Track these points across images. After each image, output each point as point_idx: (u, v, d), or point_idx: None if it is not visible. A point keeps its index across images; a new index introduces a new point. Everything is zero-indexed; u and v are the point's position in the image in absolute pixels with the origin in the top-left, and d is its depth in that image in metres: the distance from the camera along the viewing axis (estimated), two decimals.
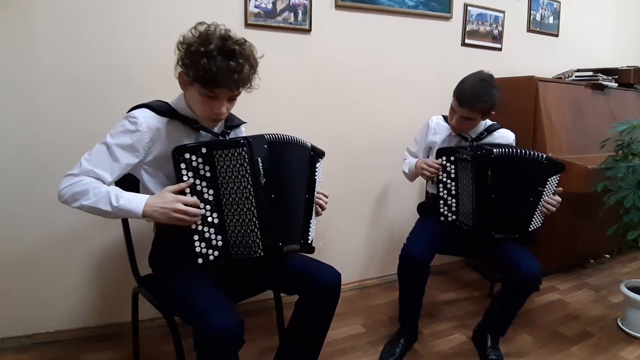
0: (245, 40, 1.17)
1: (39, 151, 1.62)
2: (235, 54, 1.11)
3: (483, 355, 1.67)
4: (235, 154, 1.13)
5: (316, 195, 1.40)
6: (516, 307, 1.60)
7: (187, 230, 1.15)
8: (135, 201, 1.11)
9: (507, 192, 1.55)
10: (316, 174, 1.40)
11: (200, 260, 1.16)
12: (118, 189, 1.13)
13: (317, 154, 1.39)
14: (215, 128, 1.30)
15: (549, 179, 1.59)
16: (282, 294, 1.59)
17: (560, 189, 1.63)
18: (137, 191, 1.31)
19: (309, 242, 1.38)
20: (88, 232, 1.73)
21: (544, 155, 1.58)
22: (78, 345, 1.73)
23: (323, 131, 2.11)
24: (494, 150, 1.54)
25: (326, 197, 1.46)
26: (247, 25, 1.88)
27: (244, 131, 1.46)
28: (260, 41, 1.87)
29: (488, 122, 1.82)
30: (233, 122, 1.37)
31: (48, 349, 1.70)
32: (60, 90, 1.62)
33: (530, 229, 1.61)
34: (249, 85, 1.18)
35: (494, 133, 1.80)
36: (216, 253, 1.18)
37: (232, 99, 1.20)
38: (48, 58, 1.59)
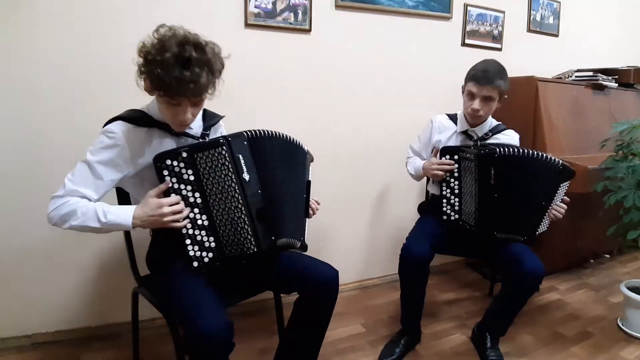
0: (207, 43, 1.11)
1: (39, 151, 1.62)
2: (191, 62, 1.05)
3: (483, 356, 1.67)
4: (216, 154, 1.14)
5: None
6: (517, 306, 1.59)
7: (179, 234, 1.15)
8: (123, 215, 1.12)
9: (513, 193, 1.54)
10: (308, 175, 1.40)
11: (195, 264, 1.17)
12: (105, 205, 1.13)
13: (306, 153, 1.40)
14: (194, 130, 1.28)
15: (561, 185, 1.58)
16: (281, 294, 1.60)
17: (568, 199, 1.62)
18: (129, 202, 1.33)
19: (304, 240, 1.39)
20: (88, 232, 1.72)
21: (560, 161, 1.55)
22: (78, 345, 1.73)
23: (323, 131, 2.11)
24: (498, 149, 1.53)
25: (318, 203, 1.47)
26: (247, 25, 1.88)
27: (222, 125, 1.44)
28: (260, 41, 1.93)
29: (494, 122, 1.81)
30: (211, 121, 1.34)
31: (48, 349, 1.70)
32: (61, 89, 1.62)
33: (537, 233, 1.61)
34: (210, 92, 1.13)
35: (499, 134, 1.78)
36: (210, 254, 1.18)
37: (196, 104, 1.16)
38: (48, 56, 1.58)
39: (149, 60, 1.06)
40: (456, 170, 1.67)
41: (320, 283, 1.27)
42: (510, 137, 1.79)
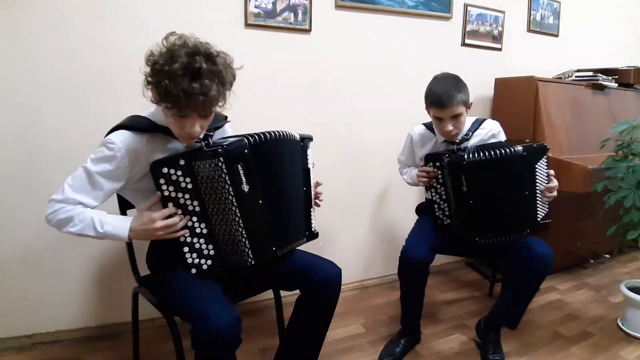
0: (219, 53, 1.07)
1: (38, 152, 1.62)
2: (201, 74, 1.01)
3: (484, 357, 1.67)
4: (213, 165, 1.09)
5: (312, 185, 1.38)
6: (530, 293, 1.58)
7: (177, 241, 1.15)
8: (119, 227, 1.12)
9: (493, 196, 1.51)
10: (308, 162, 1.36)
11: (194, 271, 1.17)
12: (102, 214, 1.12)
13: (306, 141, 1.35)
14: None
15: (536, 166, 1.54)
16: (282, 293, 1.60)
17: (552, 171, 1.57)
18: (130, 205, 1.33)
19: (312, 230, 1.37)
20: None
21: (521, 148, 1.50)
22: (78, 345, 1.73)
23: (323, 131, 2.09)
24: (466, 156, 1.48)
25: (319, 184, 1.44)
26: (247, 25, 1.88)
27: (226, 129, 1.40)
28: (260, 41, 1.93)
29: (470, 120, 1.75)
30: (216, 124, 1.28)
31: (48, 349, 1.70)
32: (57, 93, 1.62)
33: (539, 220, 1.59)
34: (220, 104, 1.09)
35: (479, 130, 1.73)
36: (209, 262, 1.18)
37: (205, 117, 1.10)
38: (45, 61, 1.59)
39: (156, 70, 1.02)
40: (440, 176, 1.66)
41: (323, 281, 1.27)
42: (489, 130, 1.76)
